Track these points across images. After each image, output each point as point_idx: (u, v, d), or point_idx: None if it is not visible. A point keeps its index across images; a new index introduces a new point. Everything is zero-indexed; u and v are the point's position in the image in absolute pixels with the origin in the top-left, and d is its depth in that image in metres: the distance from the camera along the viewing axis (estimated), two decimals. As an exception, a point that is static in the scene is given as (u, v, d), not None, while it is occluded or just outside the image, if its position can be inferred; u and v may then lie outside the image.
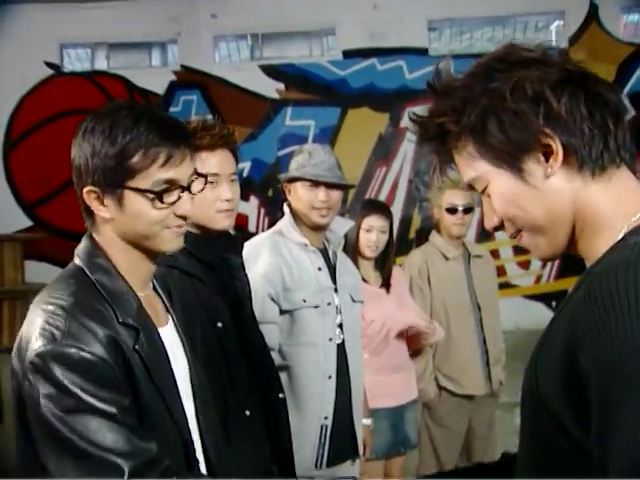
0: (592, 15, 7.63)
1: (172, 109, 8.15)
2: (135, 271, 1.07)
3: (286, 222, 1.89)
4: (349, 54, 8.07)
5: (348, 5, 7.99)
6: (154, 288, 1.16)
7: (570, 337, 0.68)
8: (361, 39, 7.99)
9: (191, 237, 1.49)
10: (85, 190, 1.04)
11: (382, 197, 7.89)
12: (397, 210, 7.91)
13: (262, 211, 7.96)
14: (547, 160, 0.76)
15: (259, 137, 8.27)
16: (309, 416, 1.82)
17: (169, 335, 1.11)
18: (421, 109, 0.85)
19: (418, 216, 7.94)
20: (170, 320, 1.14)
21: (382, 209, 2.41)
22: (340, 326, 1.92)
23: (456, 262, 2.61)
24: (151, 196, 1.03)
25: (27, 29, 8.16)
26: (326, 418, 1.85)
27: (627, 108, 0.81)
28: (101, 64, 8.51)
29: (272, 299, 1.80)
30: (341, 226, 1.97)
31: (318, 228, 1.89)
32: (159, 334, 1.07)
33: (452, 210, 2.55)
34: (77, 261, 1.06)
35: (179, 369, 1.09)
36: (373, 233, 2.33)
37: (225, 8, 8.20)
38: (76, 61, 8.61)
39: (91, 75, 8.28)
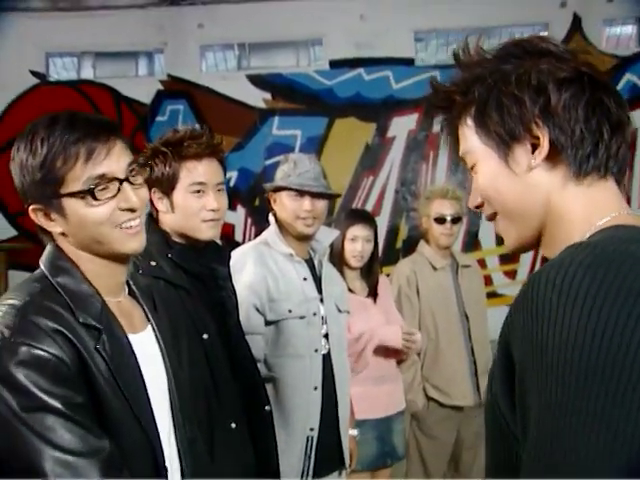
0: (575, 27, 7.71)
1: (159, 118, 8.13)
2: (104, 278, 1.04)
3: (271, 232, 1.88)
4: (336, 64, 8.10)
5: (335, 15, 8.02)
6: (133, 295, 1.12)
7: (504, 336, 0.70)
8: (348, 49, 8.02)
9: (177, 247, 1.47)
10: (30, 209, 1.02)
11: (369, 207, 7.89)
12: (384, 220, 7.91)
13: (249, 220, 7.94)
14: (533, 152, 0.78)
15: (246, 146, 8.27)
16: (295, 427, 1.80)
17: (145, 343, 1.08)
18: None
19: (405, 226, 7.94)
20: (149, 328, 1.11)
21: (366, 218, 2.41)
22: (326, 336, 1.90)
23: (444, 272, 2.60)
24: (84, 196, 0.99)
25: (12, 37, 8.12)
26: (312, 429, 1.83)
27: (631, 123, 0.80)
28: (87, 73, 8.47)
29: (257, 310, 1.79)
30: (327, 236, 1.96)
31: (303, 238, 1.87)
32: (128, 340, 1.03)
33: (440, 220, 2.55)
34: (41, 266, 1.04)
35: (155, 378, 1.06)
36: (358, 243, 2.32)
37: (212, 18, 8.20)
38: (62, 70, 8.56)
39: (77, 84, 8.24)
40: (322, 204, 1.85)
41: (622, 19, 7.77)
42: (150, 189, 1.47)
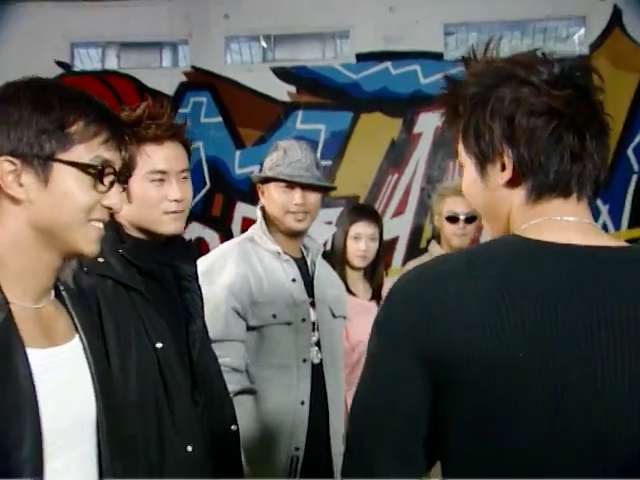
0: (615, 21, 7.36)
1: (182, 110, 8.01)
2: (28, 279, 0.87)
3: (257, 227, 1.69)
4: (362, 57, 7.89)
5: (363, 7, 7.82)
6: (61, 300, 0.95)
7: None
8: (375, 42, 7.81)
9: (130, 242, 1.30)
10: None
11: (393, 205, 7.67)
12: (409, 218, 7.67)
13: (269, 216, 7.73)
14: (503, 170, 0.90)
15: (269, 140, 8.10)
16: (277, 447, 1.62)
17: (65, 358, 0.90)
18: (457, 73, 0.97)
19: (430, 225, 7.69)
20: (76, 340, 0.93)
21: (371, 215, 2.21)
22: (317, 344, 1.71)
23: (456, 275, 2.39)
24: (92, 172, 0.88)
25: (37, 27, 8.11)
26: (297, 449, 1.64)
27: (590, 150, 0.88)
28: (112, 63, 8.42)
29: (238, 314, 1.61)
30: (321, 233, 1.76)
31: (294, 234, 1.68)
32: (25, 356, 0.85)
33: (453, 219, 2.34)
34: None
35: (72, 401, 0.88)
36: (362, 241, 2.13)
37: (237, 8, 8.07)
38: (87, 60, 8.52)
39: (101, 74, 8.19)
40: (315, 197, 1.66)
41: (665, 13, 7.39)
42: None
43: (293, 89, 8.10)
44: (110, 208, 0.94)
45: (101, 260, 1.22)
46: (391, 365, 0.84)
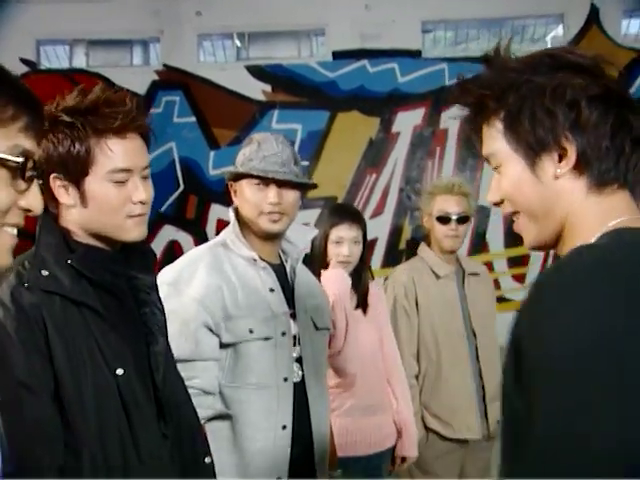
0: (592, 19, 7.32)
1: (154, 110, 7.78)
2: None
3: (230, 231, 1.50)
4: (339, 55, 7.76)
5: (338, 5, 7.70)
6: None
7: (515, 330, 0.75)
8: (352, 40, 7.69)
9: (80, 250, 1.09)
10: None
11: (372, 205, 7.53)
12: (387, 219, 7.54)
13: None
14: (560, 161, 0.84)
15: (245, 140, 7.88)
16: (257, 477, 1.43)
17: None
18: (469, 75, 0.90)
19: (409, 226, 7.56)
20: None
21: (353, 216, 2.02)
22: (299, 361, 1.53)
23: (448, 281, 2.22)
24: (12, 164, 0.73)
25: (2, 24, 7.80)
26: (279, 478, 1.45)
27: None
28: (80, 62, 8.15)
29: (210, 329, 1.42)
30: (302, 236, 1.58)
31: (269, 238, 1.50)
32: None
33: (444, 219, 2.17)
34: None
35: None
36: (344, 245, 1.94)
37: (210, 5, 7.88)
38: (54, 58, 8.23)
39: (69, 73, 7.92)
40: (292, 195, 1.47)
41: (642, 10, 7.36)
42: (47, 174, 1.10)
43: (268, 88, 7.91)
44: (29, 210, 0.76)
45: (45, 273, 1.03)
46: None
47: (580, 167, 0.83)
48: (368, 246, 2.05)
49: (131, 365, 1.07)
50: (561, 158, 0.84)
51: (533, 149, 0.84)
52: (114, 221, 1.11)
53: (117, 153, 1.11)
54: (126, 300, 1.11)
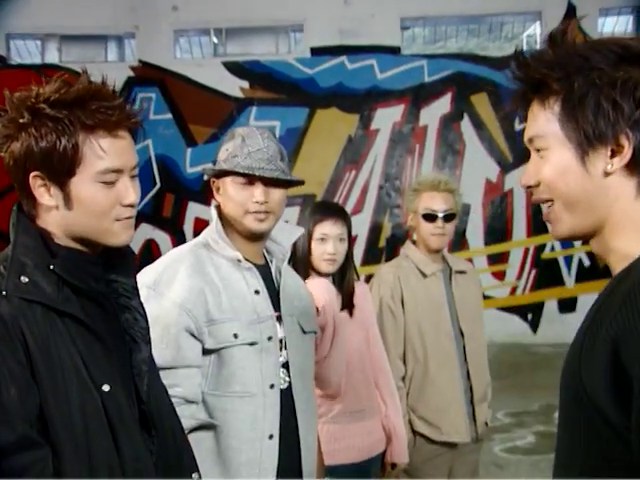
0: (570, 16, 7.36)
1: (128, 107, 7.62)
2: None
3: (212, 230, 1.43)
4: (317, 52, 7.71)
5: (317, 0, 7.62)
6: None
7: (613, 339, 0.73)
8: (330, 36, 7.63)
9: (63, 254, 1.01)
10: None
11: (351, 202, 7.49)
12: (367, 217, 7.51)
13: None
14: (612, 157, 0.81)
15: (222, 138, 7.76)
16: None
17: None
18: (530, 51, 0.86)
19: (389, 223, 7.54)
20: None
21: (338, 213, 1.94)
22: (285, 366, 1.46)
23: (435, 280, 2.17)
24: None
25: (-30, 18, 7.60)
26: None
27: None
28: (52, 57, 7.98)
29: (192, 335, 1.34)
30: (288, 235, 1.51)
31: (255, 237, 1.43)
32: None
33: (430, 217, 2.11)
34: None
35: None
36: (329, 243, 1.87)
37: (187, 0, 7.75)
38: (25, 53, 8.04)
39: (41, 69, 7.72)
40: (279, 193, 1.40)
41: (618, 8, 7.42)
42: (26, 171, 1.00)
43: (246, 84, 7.82)
44: None
45: (25, 280, 0.94)
46: None
47: (633, 166, 0.81)
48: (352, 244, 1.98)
49: (117, 379, 0.99)
50: (614, 154, 0.81)
51: (589, 139, 0.82)
52: (101, 225, 1.01)
53: (108, 152, 1.00)
54: (109, 307, 1.02)
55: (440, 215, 2.10)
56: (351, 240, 1.96)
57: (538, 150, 0.87)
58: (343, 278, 1.98)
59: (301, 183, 1.46)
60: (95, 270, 1.04)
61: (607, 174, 0.81)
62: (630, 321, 0.72)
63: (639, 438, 0.70)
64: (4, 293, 0.92)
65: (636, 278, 0.76)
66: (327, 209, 1.97)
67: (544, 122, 0.85)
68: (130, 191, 1.03)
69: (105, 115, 0.99)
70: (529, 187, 0.89)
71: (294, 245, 1.68)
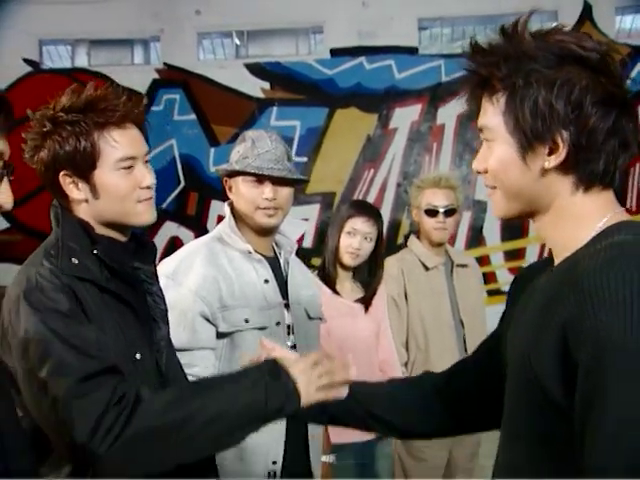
0: (586, 15, 7.37)
1: (154, 108, 7.86)
2: None
3: (226, 225, 1.59)
4: (337, 53, 7.82)
5: (336, 2, 7.75)
6: None
7: (562, 326, 0.77)
8: (349, 37, 7.74)
9: (104, 242, 1.18)
10: None
11: (370, 200, 7.55)
12: (385, 214, 7.60)
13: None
14: (550, 155, 0.85)
15: (238, 138, 7.94)
16: (254, 463, 1.52)
17: None
18: (486, 38, 0.91)
19: (407, 220, 7.64)
20: None
21: (371, 212, 2.08)
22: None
23: (437, 272, 2.31)
24: None
25: (5, 25, 7.88)
26: (275, 463, 1.54)
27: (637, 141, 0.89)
28: (82, 61, 8.23)
29: (206, 319, 1.50)
30: (295, 229, 1.67)
31: (265, 232, 1.59)
32: None
33: (432, 212, 2.26)
34: None
35: None
36: (356, 238, 2.01)
37: (209, 4, 7.94)
38: (56, 58, 8.31)
39: (71, 72, 7.99)
40: (286, 191, 1.56)
41: (635, 7, 7.43)
42: (55, 172, 1.18)
43: (267, 85, 7.99)
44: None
45: (75, 261, 1.10)
46: None
47: (568, 165, 0.85)
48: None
49: (147, 349, 1.16)
50: (551, 152, 0.85)
51: (527, 137, 0.85)
52: (126, 208, 1.18)
53: (121, 143, 1.18)
54: (139, 288, 1.19)
55: (441, 210, 2.24)
56: (382, 242, 2.09)
57: (487, 139, 0.92)
58: (370, 275, 2.11)
59: (306, 181, 1.62)
60: (126, 257, 1.21)
61: (545, 170, 0.86)
62: (577, 309, 0.76)
63: (581, 417, 0.75)
64: (60, 269, 1.09)
65: (582, 269, 0.79)
66: (362, 207, 2.12)
67: (491, 115, 0.90)
68: (146, 174, 1.21)
69: (112, 112, 1.17)
70: (479, 172, 0.95)
71: (326, 238, 1.79)
